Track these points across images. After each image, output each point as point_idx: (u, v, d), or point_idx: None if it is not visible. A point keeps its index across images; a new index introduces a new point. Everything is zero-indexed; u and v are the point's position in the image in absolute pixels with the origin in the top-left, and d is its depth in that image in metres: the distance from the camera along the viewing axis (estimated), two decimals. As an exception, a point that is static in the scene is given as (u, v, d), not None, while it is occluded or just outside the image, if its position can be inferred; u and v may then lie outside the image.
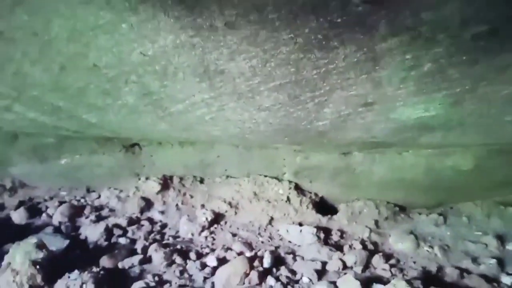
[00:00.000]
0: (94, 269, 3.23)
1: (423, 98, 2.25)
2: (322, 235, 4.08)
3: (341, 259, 3.72)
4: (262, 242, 4.08)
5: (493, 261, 3.82)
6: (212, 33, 1.84)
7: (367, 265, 3.74)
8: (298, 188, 4.53)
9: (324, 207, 4.61)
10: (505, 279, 3.62)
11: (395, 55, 1.91)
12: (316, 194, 4.56)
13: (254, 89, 2.24)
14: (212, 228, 4.24)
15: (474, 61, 1.91)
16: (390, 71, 2.03)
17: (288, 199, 4.43)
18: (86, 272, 3.12)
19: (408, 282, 3.10)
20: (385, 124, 2.65)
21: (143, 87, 2.42)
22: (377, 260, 3.78)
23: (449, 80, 2.05)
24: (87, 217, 4.39)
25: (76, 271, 3.14)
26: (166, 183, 4.70)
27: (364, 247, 4.02)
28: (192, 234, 4.13)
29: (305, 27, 1.75)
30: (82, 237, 4.03)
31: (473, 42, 1.75)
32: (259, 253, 3.74)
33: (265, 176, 4.56)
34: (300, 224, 4.21)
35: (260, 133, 3.08)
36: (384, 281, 3.38)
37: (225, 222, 4.36)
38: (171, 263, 3.61)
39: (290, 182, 4.49)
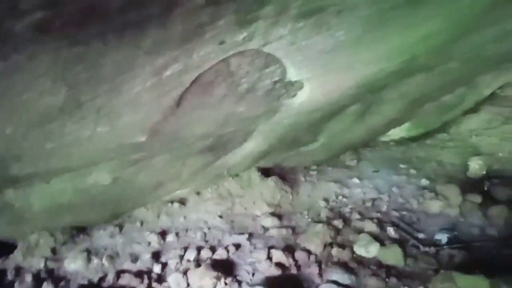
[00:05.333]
0: None
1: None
2: (-7, 279, 4.22)
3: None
4: None
5: (148, 256, 4.75)
6: None
7: (32, 296, 4.11)
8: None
9: (3, 248, 4.70)
10: (156, 268, 4.57)
11: None
12: (-14, 238, 4.60)
13: None
14: None
15: None
16: None
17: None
18: None
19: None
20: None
21: None
22: (45, 287, 4.19)
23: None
24: None
25: None
26: None
27: (37, 278, 4.36)
28: None
29: None
30: None
31: None
32: None
33: None
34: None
35: None
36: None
37: None
38: None
39: None
